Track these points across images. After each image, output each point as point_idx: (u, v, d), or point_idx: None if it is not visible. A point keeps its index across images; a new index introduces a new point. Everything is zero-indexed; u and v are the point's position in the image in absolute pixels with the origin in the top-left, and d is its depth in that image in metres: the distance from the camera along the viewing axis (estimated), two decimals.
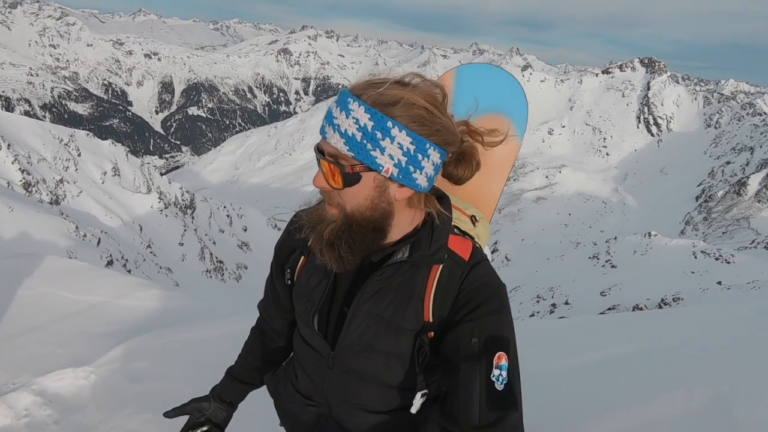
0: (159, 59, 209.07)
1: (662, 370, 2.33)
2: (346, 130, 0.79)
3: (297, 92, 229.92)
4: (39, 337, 2.73)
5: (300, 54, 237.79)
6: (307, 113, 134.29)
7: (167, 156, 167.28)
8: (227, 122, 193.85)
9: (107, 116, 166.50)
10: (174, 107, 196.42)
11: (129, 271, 26.37)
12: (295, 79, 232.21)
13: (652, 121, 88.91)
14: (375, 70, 0.86)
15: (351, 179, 0.82)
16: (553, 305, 24.89)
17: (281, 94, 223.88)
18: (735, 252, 28.30)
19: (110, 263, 27.36)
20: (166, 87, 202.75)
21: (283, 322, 1.10)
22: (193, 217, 43.82)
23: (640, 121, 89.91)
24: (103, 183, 38.57)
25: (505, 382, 0.79)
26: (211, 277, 38.42)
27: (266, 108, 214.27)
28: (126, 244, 31.95)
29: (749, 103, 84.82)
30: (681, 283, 23.09)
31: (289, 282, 1.00)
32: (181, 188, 45.67)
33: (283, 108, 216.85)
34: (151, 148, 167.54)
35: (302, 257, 0.98)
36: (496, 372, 0.79)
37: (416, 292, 0.87)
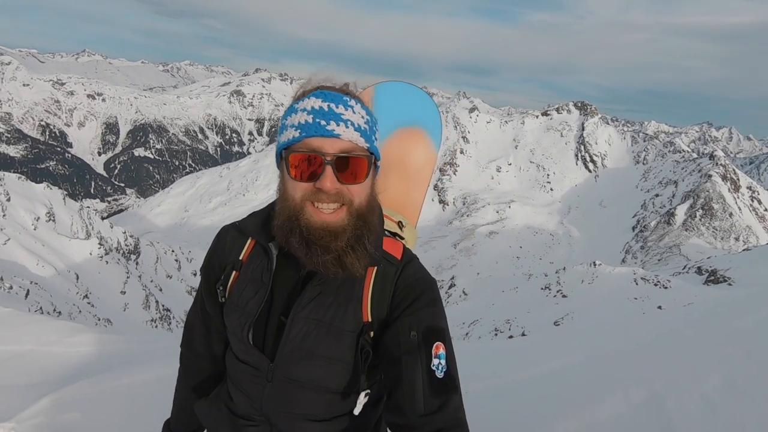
0: (103, 100, 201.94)
1: (602, 375, 2.46)
2: (358, 123, 0.83)
3: (251, 133, 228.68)
4: None
5: (253, 96, 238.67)
6: (261, 153, 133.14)
7: (110, 199, 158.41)
8: (177, 163, 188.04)
9: (43, 158, 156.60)
10: (119, 148, 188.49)
11: None
12: (249, 120, 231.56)
13: (588, 159, 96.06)
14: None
15: (374, 168, 0.85)
16: (510, 337, 25.22)
17: (234, 134, 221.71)
18: (671, 277, 30.30)
19: None
20: (111, 128, 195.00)
21: (221, 345, 1.05)
22: (137, 263, 41.08)
23: (578, 159, 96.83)
24: (35, 229, 35.59)
25: (444, 369, 0.82)
26: (156, 326, 35.72)
27: (218, 149, 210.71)
28: (59, 295, 29.23)
29: (670, 142, 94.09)
30: (625, 308, 24.29)
31: (223, 300, 0.97)
32: (125, 232, 42.99)
33: (236, 148, 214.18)
34: (92, 191, 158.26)
35: (234, 271, 0.95)
36: (435, 361, 0.82)
37: (355, 294, 0.88)
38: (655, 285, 27.90)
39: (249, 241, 0.97)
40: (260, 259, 0.92)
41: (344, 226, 0.82)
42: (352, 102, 0.82)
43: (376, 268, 0.89)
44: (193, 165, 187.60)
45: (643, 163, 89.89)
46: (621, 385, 2.31)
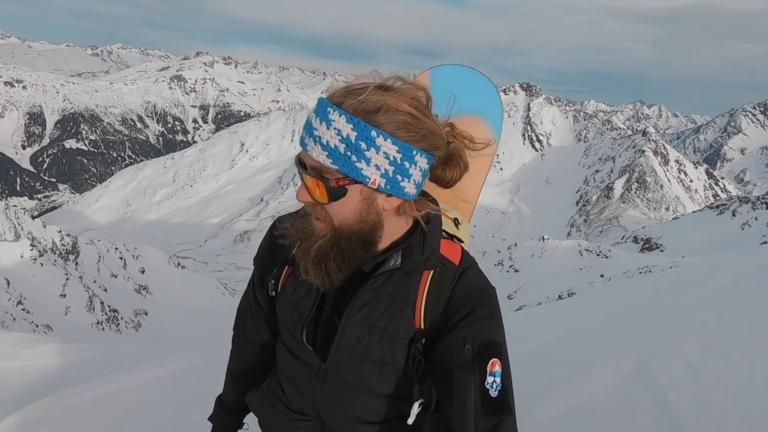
0: (24, 87, 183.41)
1: (587, 349, 2.65)
2: (328, 141, 0.74)
3: (195, 120, 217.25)
4: None
5: (196, 81, 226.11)
6: (208, 142, 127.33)
7: (40, 196, 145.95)
8: (114, 155, 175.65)
9: None
10: (46, 141, 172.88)
11: None
12: (192, 106, 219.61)
13: (534, 138, 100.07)
14: (342, 81, 0.80)
15: (336, 193, 0.77)
16: None
17: (177, 122, 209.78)
18: (611, 247, 32.59)
19: None
20: (35, 118, 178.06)
21: (270, 335, 1.07)
22: (77, 264, 38.39)
23: (525, 138, 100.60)
24: None
25: (499, 388, 0.79)
26: (103, 328, 33.75)
27: (160, 138, 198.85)
28: None
29: (607, 120, 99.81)
30: (572, 279, 25.96)
31: (273, 293, 0.97)
32: (60, 231, 39.92)
33: (180, 137, 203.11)
34: (18, 188, 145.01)
35: (287, 267, 0.94)
36: (489, 379, 0.79)
37: (409, 300, 0.85)
38: (598, 255, 29.96)
39: None
40: None
41: (321, 236, 0.82)
42: (335, 115, 0.74)
43: (432, 272, 0.86)
44: (133, 156, 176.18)
45: (584, 141, 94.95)
46: (610, 356, 2.49)
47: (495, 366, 0.80)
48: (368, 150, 0.74)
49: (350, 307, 0.85)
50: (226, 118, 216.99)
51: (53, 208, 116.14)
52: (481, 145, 0.87)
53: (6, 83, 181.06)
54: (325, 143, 0.75)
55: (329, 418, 0.93)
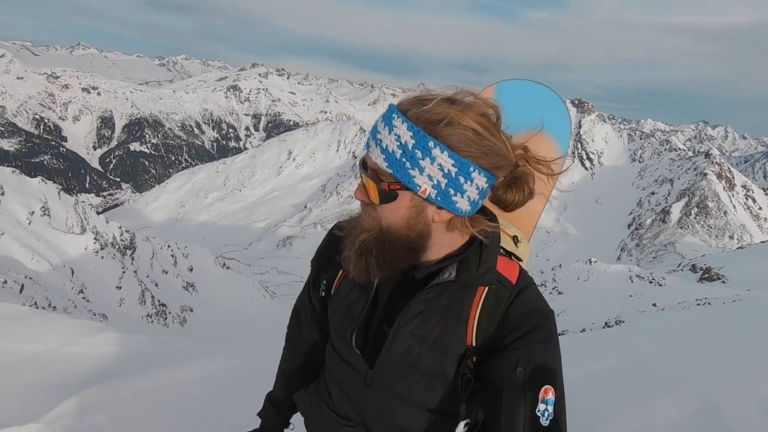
0: (98, 93, 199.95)
1: (646, 380, 2.47)
2: (387, 145, 0.77)
3: (247, 128, 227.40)
4: None
5: (250, 91, 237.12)
6: (258, 149, 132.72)
7: (105, 194, 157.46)
8: (173, 158, 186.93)
9: (37, 152, 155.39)
10: (114, 143, 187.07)
11: None
12: (246, 115, 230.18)
13: (585, 156, 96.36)
14: (421, 90, 0.81)
15: (387, 196, 0.79)
16: None
17: (231, 129, 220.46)
18: (665, 275, 30.52)
19: None
20: (106, 122, 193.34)
21: (321, 335, 1.07)
22: (133, 258, 41.00)
23: (575, 156, 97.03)
24: (30, 224, 35.36)
25: (551, 417, 0.76)
26: (152, 321, 35.72)
27: (215, 144, 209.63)
28: (54, 290, 29.10)
29: (666, 140, 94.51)
30: (621, 306, 24.48)
31: (323, 294, 0.98)
32: (120, 227, 42.83)
33: (232, 144, 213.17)
34: (87, 185, 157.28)
35: (341, 270, 0.95)
36: (541, 407, 0.76)
37: (462, 315, 0.84)
38: (650, 282, 28.14)
39: None
40: None
41: (367, 230, 0.83)
42: (398, 121, 0.76)
43: (487, 288, 0.84)
44: (190, 160, 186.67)
45: (639, 161, 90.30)
46: (669, 391, 2.30)
47: (548, 393, 0.77)
48: (423, 159, 0.75)
49: (401, 316, 0.85)
50: (276, 127, 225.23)
51: (116, 206, 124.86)
52: (554, 171, 0.86)
53: (83, 89, 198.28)
54: (384, 147, 0.77)
55: (374, 426, 0.92)
